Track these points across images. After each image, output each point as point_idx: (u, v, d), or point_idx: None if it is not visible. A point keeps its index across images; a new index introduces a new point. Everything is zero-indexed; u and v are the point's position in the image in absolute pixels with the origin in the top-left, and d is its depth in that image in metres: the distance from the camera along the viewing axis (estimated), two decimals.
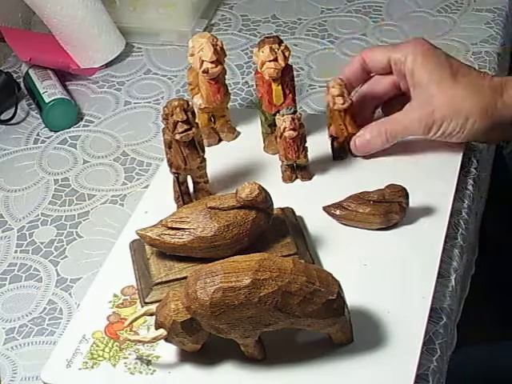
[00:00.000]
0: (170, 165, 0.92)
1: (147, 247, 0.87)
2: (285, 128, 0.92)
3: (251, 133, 1.03)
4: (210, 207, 0.84)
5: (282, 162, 0.96)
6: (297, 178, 0.97)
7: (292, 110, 0.93)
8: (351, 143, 0.97)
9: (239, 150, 1.03)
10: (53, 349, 0.82)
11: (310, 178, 0.97)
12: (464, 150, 0.98)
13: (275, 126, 0.95)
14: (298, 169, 0.96)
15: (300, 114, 0.93)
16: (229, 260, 0.75)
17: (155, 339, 0.77)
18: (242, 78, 1.17)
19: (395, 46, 0.98)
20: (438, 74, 0.93)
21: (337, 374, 0.77)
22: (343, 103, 0.95)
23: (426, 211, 0.90)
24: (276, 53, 0.95)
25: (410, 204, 0.89)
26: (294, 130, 0.92)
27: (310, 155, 0.96)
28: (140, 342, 0.79)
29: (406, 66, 0.94)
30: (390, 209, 0.88)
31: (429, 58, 0.94)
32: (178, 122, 0.88)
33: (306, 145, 0.95)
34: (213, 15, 1.30)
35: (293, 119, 0.92)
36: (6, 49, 1.25)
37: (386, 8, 1.28)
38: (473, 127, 0.92)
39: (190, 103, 0.90)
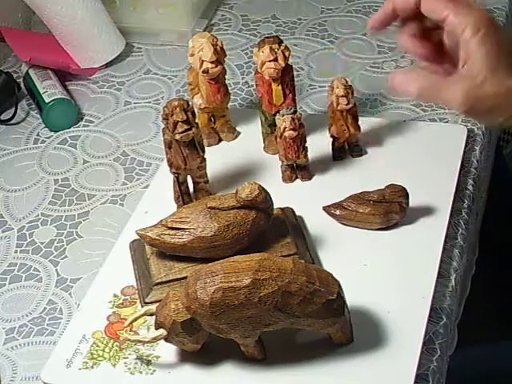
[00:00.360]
0: (170, 165, 0.92)
1: (147, 247, 0.87)
2: (285, 128, 0.92)
3: (251, 133, 1.03)
4: (209, 207, 0.84)
5: (282, 162, 0.96)
6: (297, 177, 0.97)
7: (292, 110, 0.93)
8: (392, 77, 0.84)
9: (239, 150, 1.03)
10: (53, 349, 0.82)
11: (309, 178, 0.97)
12: (464, 150, 0.98)
13: (275, 125, 0.95)
14: (298, 169, 0.96)
15: (300, 113, 0.93)
16: (229, 260, 0.75)
17: (155, 339, 0.77)
18: (242, 78, 1.17)
19: (456, 5, 0.85)
20: (495, 59, 0.83)
21: (337, 373, 0.77)
22: (347, 104, 0.95)
23: (426, 211, 0.90)
24: (276, 53, 0.95)
25: (410, 204, 0.89)
26: (293, 129, 0.92)
27: (310, 155, 0.96)
28: (140, 342, 0.79)
29: (462, 36, 0.83)
30: (390, 209, 0.88)
31: (490, 38, 0.84)
32: (178, 121, 0.88)
33: (306, 145, 0.95)
34: (213, 15, 1.30)
35: (293, 119, 0.92)
36: (6, 49, 1.25)
37: None
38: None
39: (190, 103, 0.90)
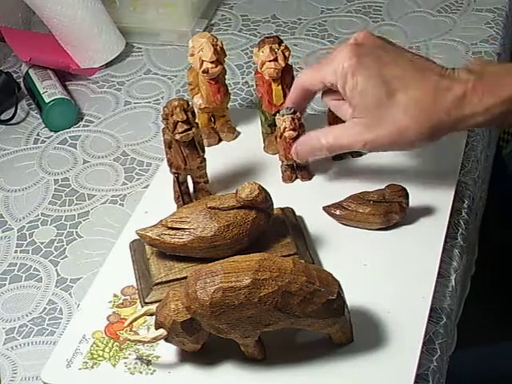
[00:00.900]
0: (170, 165, 0.92)
1: (147, 247, 0.87)
2: (285, 128, 0.92)
3: (251, 133, 1.03)
4: (209, 207, 0.84)
5: (282, 162, 0.96)
6: (297, 177, 0.97)
7: (292, 110, 0.93)
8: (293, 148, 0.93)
9: (239, 149, 1.03)
10: (53, 349, 0.82)
11: (309, 178, 0.97)
12: (464, 150, 0.98)
13: (275, 125, 0.95)
14: (298, 169, 0.96)
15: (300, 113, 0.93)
16: (229, 260, 0.75)
17: (155, 339, 0.77)
18: (242, 78, 1.17)
19: (325, 64, 0.89)
20: (372, 96, 0.85)
21: (337, 374, 0.77)
22: None
23: (426, 211, 0.90)
24: (276, 53, 0.95)
25: (410, 204, 0.89)
26: (293, 130, 0.92)
27: None
28: (140, 342, 0.79)
29: (340, 89, 0.87)
30: (390, 209, 0.88)
31: (359, 78, 0.85)
32: (178, 121, 0.88)
33: None
34: (213, 15, 1.30)
35: (293, 119, 0.92)
36: (6, 49, 1.25)
37: (386, 8, 1.28)
38: (417, 147, 0.87)
39: (190, 103, 0.90)
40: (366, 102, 0.85)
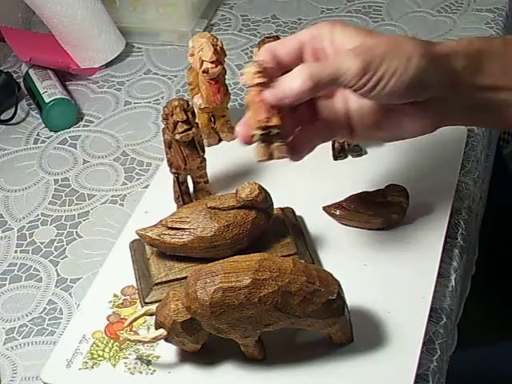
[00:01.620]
0: (170, 165, 0.92)
1: (147, 247, 0.87)
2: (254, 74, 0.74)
3: None
4: (209, 207, 0.84)
5: (254, 135, 0.75)
6: (272, 156, 0.76)
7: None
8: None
9: (239, 149, 1.02)
10: (53, 349, 0.82)
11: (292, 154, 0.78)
12: (464, 150, 0.98)
13: None
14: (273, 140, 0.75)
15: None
16: (229, 260, 0.75)
17: (155, 339, 0.77)
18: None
19: (303, 30, 0.79)
20: (361, 31, 0.77)
21: (337, 374, 0.77)
22: None
23: (426, 211, 0.90)
24: None
25: (410, 204, 0.89)
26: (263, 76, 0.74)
27: (311, 155, 0.95)
28: (140, 342, 0.79)
29: (323, 38, 0.76)
30: (390, 209, 0.88)
31: (347, 26, 0.77)
32: (178, 121, 0.88)
33: None
34: (213, 15, 1.30)
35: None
36: (6, 49, 1.25)
37: (386, 8, 1.29)
38: (417, 67, 0.74)
39: (190, 103, 0.90)
40: (356, 37, 0.76)
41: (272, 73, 0.75)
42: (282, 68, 0.77)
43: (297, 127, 0.78)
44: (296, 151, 0.78)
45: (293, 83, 0.73)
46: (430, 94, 0.76)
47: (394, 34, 0.77)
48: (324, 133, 0.80)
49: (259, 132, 0.73)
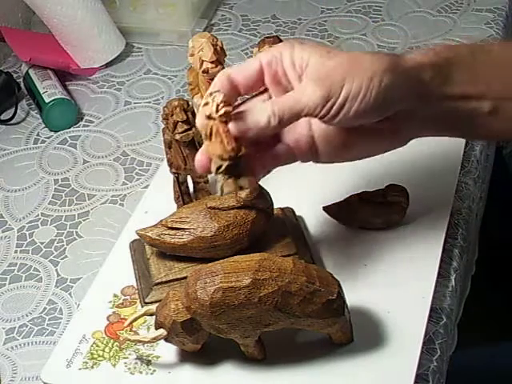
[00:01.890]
0: (170, 165, 0.92)
1: (147, 247, 0.87)
2: (218, 106, 0.70)
3: None
4: (209, 207, 0.84)
5: (218, 169, 0.70)
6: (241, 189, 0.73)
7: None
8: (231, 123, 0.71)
9: None
10: (53, 349, 0.82)
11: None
12: (464, 150, 0.98)
13: None
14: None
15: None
16: (229, 260, 0.75)
17: (155, 339, 0.77)
18: None
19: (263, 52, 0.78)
20: (320, 50, 0.74)
21: (337, 374, 0.77)
22: None
23: (426, 211, 0.90)
24: None
25: (410, 204, 0.89)
26: (229, 106, 0.71)
27: None
28: (140, 342, 0.79)
29: (284, 61, 0.74)
30: (390, 209, 0.88)
31: (304, 45, 0.75)
32: (177, 122, 0.88)
33: None
34: (213, 15, 1.30)
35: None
36: (6, 49, 1.25)
37: (386, 8, 1.29)
38: (380, 85, 0.71)
39: (190, 103, 0.90)
40: (315, 56, 0.74)
41: (230, 100, 0.72)
42: (242, 93, 0.76)
43: (258, 152, 0.76)
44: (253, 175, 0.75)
45: (259, 119, 0.71)
46: (397, 109, 0.75)
47: (355, 52, 0.73)
48: (286, 157, 0.78)
49: (226, 163, 0.70)
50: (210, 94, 0.70)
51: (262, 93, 0.77)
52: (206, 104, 0.70)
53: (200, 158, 0.73)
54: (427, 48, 0.77)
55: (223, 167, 0.70)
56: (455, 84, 0.76)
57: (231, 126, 0.70)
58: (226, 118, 0.70)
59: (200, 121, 0.71)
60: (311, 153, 0.78)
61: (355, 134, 0.76)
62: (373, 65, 0.72)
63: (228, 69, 0.75)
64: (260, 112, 0.71)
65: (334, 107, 0.71)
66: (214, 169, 0.70)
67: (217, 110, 0.70)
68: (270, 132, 0.72)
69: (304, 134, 0.77)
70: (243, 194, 0.83)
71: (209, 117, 0.70)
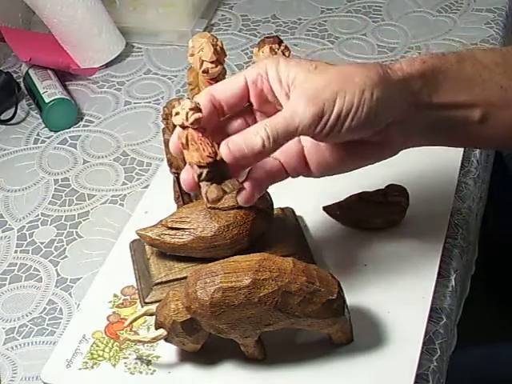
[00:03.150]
0: (170, 165, 0.92)
1: (147, 247, 0.87)
2: (187, 113, 0.70)
3: None
4: (210, 207, 0.84)
5: (199, 177, 0.70)
6: (224, 194, 0.71)
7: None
8: (223, 148, 0.70)
9: None
10: (53, 349, 0.82)
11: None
12: (464, 150, 0.98)
13: None
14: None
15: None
16: (229, 260, 0.75)
17: (155, 339, 0.77)
18: None
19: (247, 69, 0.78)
20: (306, 66, 0.73)
21: (337, 374, 0.77)
22: None
23: (426, 211, 0.90)
24: (276, 53, 0.95)
25: (410, 204, 0.89)
26: (199, 112, 0.71)
27: None
28: (140, 342, 0.79)
29: (269, 78, 0.74)
30: (390, 209, 0.88)
31: (290, 61, 0.75)
32: None
33: None
34: (213, 15, 1.30)
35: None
36: (6, 49, 1.25)
37: (386, 8, 1.29)
38: (372, 98, 0.71)
39: None
40: (302, 72, 0.73)
41: (212, 118, 0.73)
42: (226, 111, 0.75)
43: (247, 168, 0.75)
44: (248, 195, 0.74)
45: (254, 143, 0.70)
46: (388, 121, 0.74)
47: (341, 65, 0.74)
48: (277, 174, 0.77)
49: (206, 170, 0.69)
50: (179, 102, 0.70)
51: (246, 110, 0.76)
52: (177, 114, 0.70)
53: (184, 176, 0.73)
54: (414, 57, 0.77)
55: (204, 174, 0.69)
56: (444, 93, 0.75)
57: (225, 153, 0.70)
58: (198, 125, 0.70)
59: (176, 132, 0.72)
60: (303, 168, 0.78)
61: (346, 147, 0.76)
62: (363, 78, 0.71)
63: (211, 87, 0.75)
64: (253, 136, 0.70)
65: (328, 125, 0.71)
66: (196, 178, 0.70)
67: (187, 118, 0.69)
68: (265, 156, 0.71)
69: (294, 148, 0.77)
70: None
71: (181, 126, 0.70)
